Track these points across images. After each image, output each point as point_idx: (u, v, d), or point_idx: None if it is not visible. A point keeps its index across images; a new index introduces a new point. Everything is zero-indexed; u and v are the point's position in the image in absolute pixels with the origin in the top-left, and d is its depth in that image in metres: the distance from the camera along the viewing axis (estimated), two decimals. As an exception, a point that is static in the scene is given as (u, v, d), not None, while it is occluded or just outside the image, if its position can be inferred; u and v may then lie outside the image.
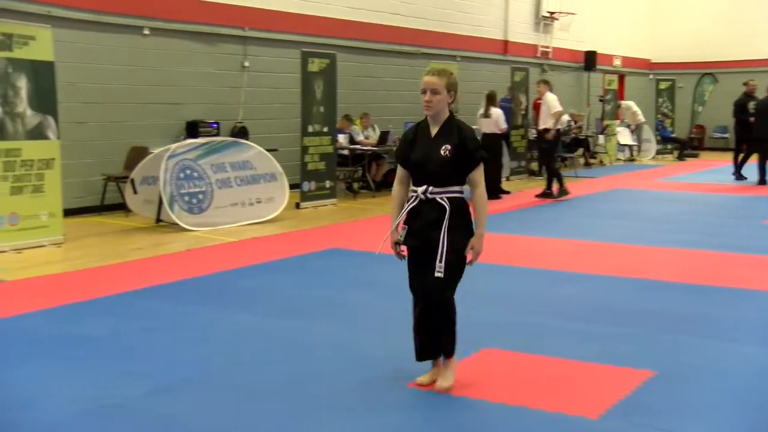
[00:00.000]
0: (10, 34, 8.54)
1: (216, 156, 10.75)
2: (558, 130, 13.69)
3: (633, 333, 5.72)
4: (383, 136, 14.59)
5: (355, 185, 14.44)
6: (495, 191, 13.79)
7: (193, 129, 12.56)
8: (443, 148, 4.35)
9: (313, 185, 12.60)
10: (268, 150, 11.59)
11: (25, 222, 8.75)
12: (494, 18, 20.29)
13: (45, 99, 8.91)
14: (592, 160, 21.10)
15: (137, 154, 11.45)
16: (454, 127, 4.41)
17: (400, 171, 4.57)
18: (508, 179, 16.21)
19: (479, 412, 4.26)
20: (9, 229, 8.60)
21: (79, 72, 11.12)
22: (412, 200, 4.43)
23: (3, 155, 8.51)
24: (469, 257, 4.40)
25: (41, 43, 8.81)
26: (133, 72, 11.98)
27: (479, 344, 5.36)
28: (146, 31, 12.11)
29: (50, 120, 8.97)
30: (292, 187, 11.92)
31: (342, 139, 13.96)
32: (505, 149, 15.44)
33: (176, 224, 10.03)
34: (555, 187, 13.54)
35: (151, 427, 4.03)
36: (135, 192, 10.54)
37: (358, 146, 14.19)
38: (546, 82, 13.87)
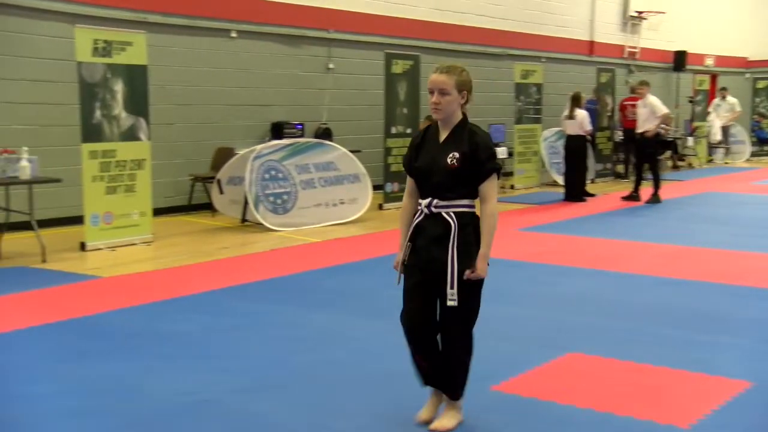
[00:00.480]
0: (110, 41, 8.83)
1: (300, 157, 10.88)
2: (658, 132, 13.39)
3: (727, 341, 5.55)
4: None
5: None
6: (580, 194, 13.60)
7: (278, 130, 12.74)
8: (451, 156, 3.77)
9: (396, 186, 12.62)
10: (351, 151, 11.66)
11: (119, 221, 9.02)
12: (580, 18, 19.97)
13: (138, 101, 9.17)
14: (680, 163, 20.59)
15: (224, 154, 11.68)
16: (465, 133, 3.82)
17: (408, 181, 4.01)
18: (593, 182, 15.94)
19: (567, 417, 4.19)
20: (104, 228, 8.88)
21: (169, 75, 11.40)
22: (417, 215, 3.89)
23: (100, 156, 8.80)
24: (467, 274, 3.74)
25: (137, 49, 9.08)
26: (221, 74, 12.22)
27: (564, 348, 5.29)
28: (233, 34, 12.34)
29: (142, 122, 9.23)
30: (375, 188, 11.97)
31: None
32: (590, 151, 15.19)
33: (261, 224, 10.18)
34: (647, 190, 13.25)
35: (242, 424, 4.10)
36: (221, 192, 10.75)
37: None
38: (647, 83, 13.57)
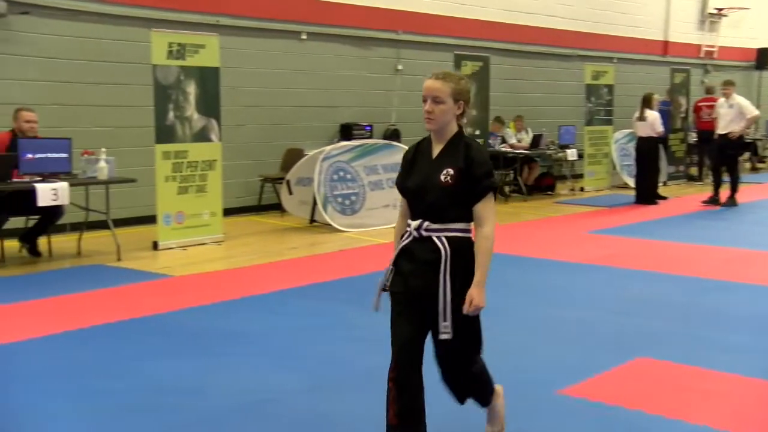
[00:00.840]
0: (184, 44, 9.02)
1: (369, 158, 10.93)
2: (741, 134, 13.05)
3: (802, 349, 5.38)
4: (536, 140, 14.39)
5: (507, 189, 14.32)
6: (651, 196, 13.35)
7: (346, 131, 12.82)
8: (444, 172, 3.37)
9: (463, 188, 12.57)
10: (420, 152, 11.64)
11: (190, 220, 9.20)
12: (654, 18, 19.58)
13: (210, 103, 9.35)
14: (760, 165, 20.02)
15: (293, 156, 11.81)
16: (461, 147, 3.41)
17: (401, 201, 3.61)
18: (665, 184, 15.62)
19: (635, 423, 4.12)
20: (176, 227, 9.08)
21: (240, 76, 11.58)
22: (405, 236, 3.47)
23: (172, 157, 8.99)
24: (467, 310, 3.34)
25: (209, 51, 9.26)
26: (290, 76, 12.36)
27: (633, 353, 5.20)
28: (303, 36, 12.47)
29: (213, 123, 9.40)
30: (443, 189, 11.92)
31: (493, 142, 13.87)
32: (662, 153, 14.90)
33: (329, 225, 10.26)
34: (725, 193, 12.93)
35: (306, 423, 4.14)
36: (290, 193, 10.87)
37: (510, 149, 14.06)
38: (732, 83, 13.23)
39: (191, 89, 9.13)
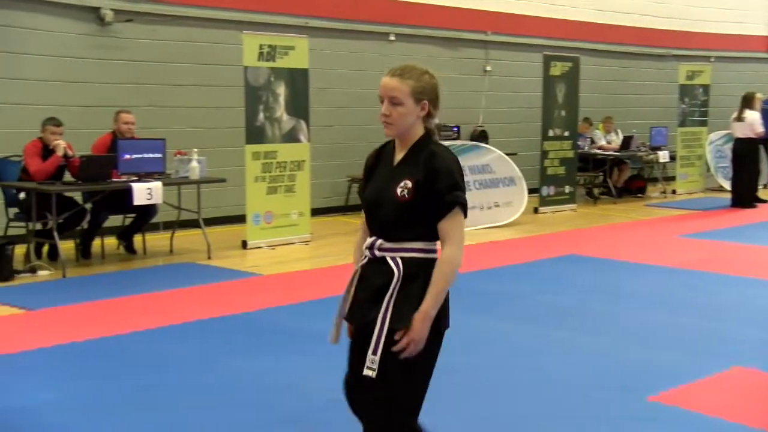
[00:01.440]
0: (274, 45, 9.17)
1: (456, 159, 10.87)
2: None
3: None
4: (626, 141, 14.08)
5: (596, 191, 14.08)
6: (749, 199, 12.91)
7: (434, 133, 12.79)
8: (402, 185, 2.84)
9: (552, 190, 12.43)
10: (507, 154, 11.58)
11: (278, 220, 9.34)
12: (758, 12, 18.80)
13: (298, 104, 9.47)
14: None
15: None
16: (423, 154, 2.86)
17: (363, 212, 3.07)
18: (765, 187, 15.07)
19: (730, 434, 3.99)
20: (265, 227, 9.22)
21: (328, 78, 11.69)
22: (362, 258, 2.97)
23: (262, 157, 9.14)
24: (401, 343, 2.75)
25: (299, 53, 9.39)
26: (379, 77, 12.34)
27: (729, 361, 5.04)
28: (392, 37, 12.52)
29: (302, 124, 9.52)
30: (531, 191, 11.82)
31: (582, 143, 13.65)
32: (763, 155, 14.37)
33: (416, 226, 10.25)
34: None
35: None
36: (378, 194, 10.90)
37: (599, 151, 13.81)
38: None
39: (281, 90, 9.27)
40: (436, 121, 2.98)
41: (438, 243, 2.86)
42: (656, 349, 5.33)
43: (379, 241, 2.87)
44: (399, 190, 2.83)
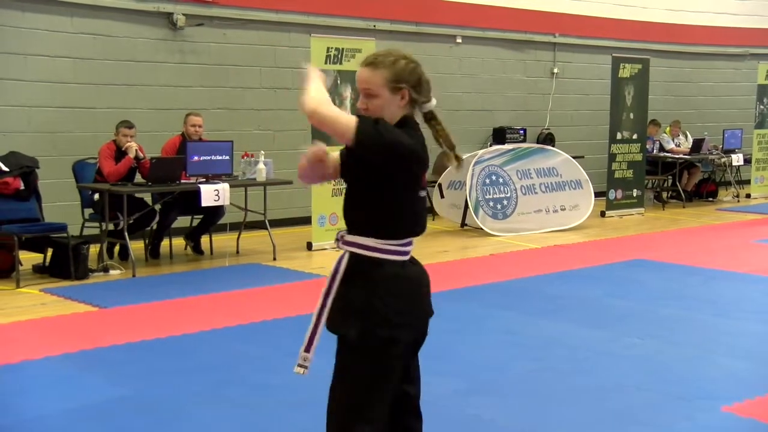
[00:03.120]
0: (341, 48, 9.22)
1: (522, 162, 10.80)
2: None
3: None
4: (697, 144, 13.77)
5: (664, 195, 13.80)
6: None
7: (499, 135, 12.72)
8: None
9: (619, 193, 12.23)
10: (574, 157, 11.43)
11: (343, 222, 9.35)
12: None
13: (354, 109, 9.48)
14: None
15: (445, 159, 11.79)
16: None
17: None
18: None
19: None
20: (329, 229, 9.27)
21: (395, 81, 11.69)
22: None
23: (326, 159, 9.20)
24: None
25: (365, 55, 9.39)
26: (445, 79, 12.38)
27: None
28: (459, 39, 12.47)
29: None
30: (598, 194, 11.66)
31: (651, 146, 13.40)
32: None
33: (480, 229, 10.21)
34: None
35: (459, 426, 4.13)
36: (442, 196, 10.89)
37: (668, 154, 13.53)
38: None
39: (347, 93, 9.32)
40: (433, 103, 2.76)
41: (387, 242, 2.64)
42: (730, 358, 5.19)
43: (341, 233, 2.73)
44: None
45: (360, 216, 2.66)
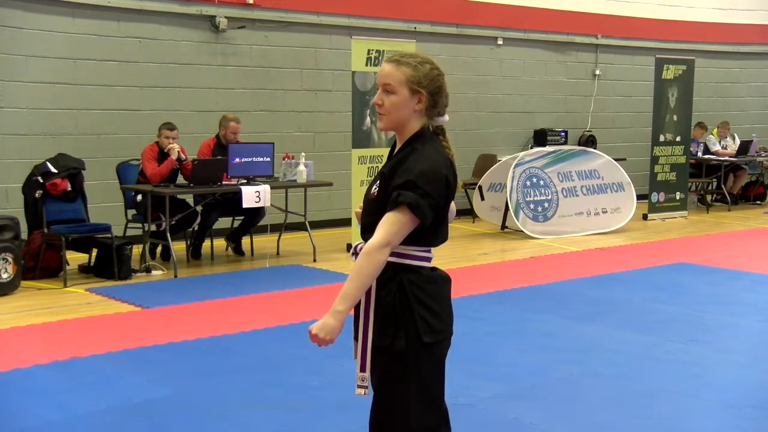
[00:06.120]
0: (382, 50, 9.24)
1: (563, 165, 10.72)
2: None
3: None
4: (744, 146, 13.55)
5: (708, 198, 13.59)
6: None
7: (540, 137, 12.64)
8: (376, 183, 2.66)
9: (662, 196, 12.08)
10: (616, 159, 11.32)
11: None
12: None
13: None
14: None
15: (486, 161, 11.78)
16: (407, 151, 2.61)
17: None
18: None
19: None
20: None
21: (436, 83, 11.67)
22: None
23: (368, 161, 9.21)
24: (311, 331, 2.62)
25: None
26: (486, 81, 12.34)
27: None
28: (500, 41, 12.41)
29: (409, 128, 9.52)
30: (640, 197, 11.53)
31: (695, 149, 13.21)
32: None
33: (521, 231, 10.15)
34: None
35: (500, 430, 4.11)
36: (482, 198, 10.85)
37: (714, 156, 13.33)
38: None
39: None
40: (446, 119, 2.70)
41: (420, 248, 2.62)
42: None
43: (360, 245, 2.65)
44: (373, 189, 2.65)
45: (373, 222, 2.60)
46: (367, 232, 2.63)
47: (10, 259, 6.96)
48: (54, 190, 7.65)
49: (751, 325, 6.12)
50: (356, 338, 2.68)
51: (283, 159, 8.90)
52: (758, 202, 13.91)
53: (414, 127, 2.64)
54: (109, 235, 7.65)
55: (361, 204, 2.77)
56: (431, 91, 2.63)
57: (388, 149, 2.79)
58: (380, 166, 9.82)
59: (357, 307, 2.64)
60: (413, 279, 2.59)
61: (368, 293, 2.59)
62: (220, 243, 8.89)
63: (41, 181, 7.62)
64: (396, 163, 2.59)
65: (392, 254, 2.57)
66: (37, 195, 7.59)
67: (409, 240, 2.58)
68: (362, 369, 2.61)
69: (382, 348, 2.59)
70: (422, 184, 2.51)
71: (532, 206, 10.33)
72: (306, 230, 8.74)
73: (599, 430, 4.10)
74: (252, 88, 10.24)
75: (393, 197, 2.52)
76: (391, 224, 2.51)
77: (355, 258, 2.64)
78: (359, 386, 2.61)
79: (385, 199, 2.56)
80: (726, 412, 4.31)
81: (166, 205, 7.77)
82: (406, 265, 2.60)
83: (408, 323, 2.56)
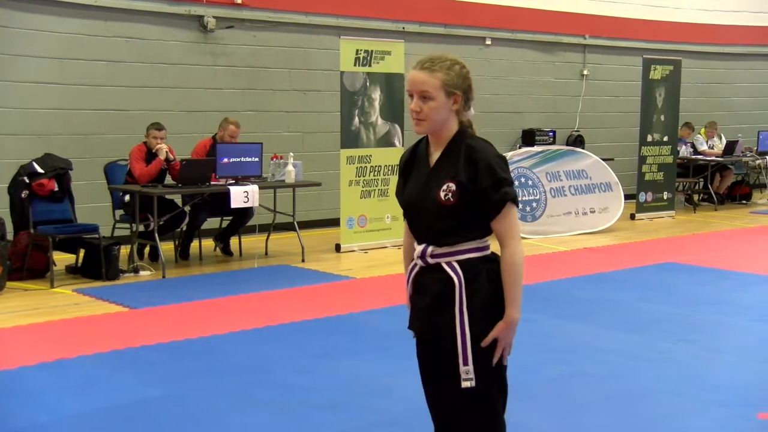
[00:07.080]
0: (371, 50, 9.24)
1: (551, 164, 10.74)
2: None
3: None
4: (730, 146, 13.61)
5: (695, 197, 13.65)
6: None
7: (529, 137, 12.67)
8: (445, 188, 2.69)
9: (649, 196, 12.13)
10: (604, 159, 11.36)
11: (372, 224, 9.39)
12: None
13: (394, 109, 9.50)
14: None
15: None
16: (461, 151, 2.71)
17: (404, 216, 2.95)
18: None
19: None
20: (358, 231, 9.28)
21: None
22: (412, 267, 2.89)
23: (356, 161, 9.21)
24: (495, 354, 2.74)
25: (395, 57, 9.42)
26: (474, 81, 12.33)
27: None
28: (488, 42, 12.43)
29: (397, 128, 9.54)
30: (628, 197, 11.56)
31: (682, 149, 13.26)
32: None
33: (510, 231, 10.15)
34: None
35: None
36: (472, 198, 10.85)
37: (700, 156, 13.39)
38: None
39: (376, 95, 9.32)
40: (472, 112, 2.81)
41: (488, 238, 2.76)
42: (766, 364, 5.12)
43: (431, 248, 2.74)
44: (443, 194, 2.68)
45: (467, 227, 2.72)
46: (446, 236, 2.72)
47: (-3, 260, 6.92)
48: (41, 190, 7.61)
49: (739, 324, 6.15)
50: (439, 337, 2.77)
51: (272, 159, 8.88)
52: (744, 201, 13.99)
53: (453, 126, 2.76)
54: (97, 236, 7.61)
55: (410, 211, 2.84)
56: (464, 90, 2.77)
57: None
58: (369, 165, 9.83)
59: (434, 307, 2.77)
60: (496, 268, 2.73)
61: (453, 290, 2.70)
62: (208, 243, 8.86)
63: (27, 181, 7.58)
64: (468, 167, 2.67)
65: (475, 249, 2.73)
66: (23, 195, 7.55)
67: (483, 232, 2.75)
68: (465, 362, 2.70)
69: (485, 335, 2.71)
70: (504, 175, 2.68)
71: (520, 206, 10.33)
72: (294, 230, 8.73)
73: (589, 429, 4.11)
74: (240, 88, 10.21)
75: (497, 198, 2.66)
76: (511, 223, 2.70)
77: (425, 261, 2.76)
78: (465, 380, 2.71)
79: (467, 203, 2.67)
80: (715, 411, 4.33)
81: (155, 205, 7.74)
82: (486, 257, 2.76)
83: (501, 309, 2.73)
